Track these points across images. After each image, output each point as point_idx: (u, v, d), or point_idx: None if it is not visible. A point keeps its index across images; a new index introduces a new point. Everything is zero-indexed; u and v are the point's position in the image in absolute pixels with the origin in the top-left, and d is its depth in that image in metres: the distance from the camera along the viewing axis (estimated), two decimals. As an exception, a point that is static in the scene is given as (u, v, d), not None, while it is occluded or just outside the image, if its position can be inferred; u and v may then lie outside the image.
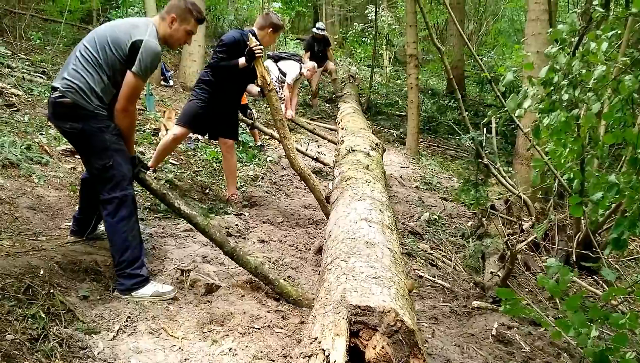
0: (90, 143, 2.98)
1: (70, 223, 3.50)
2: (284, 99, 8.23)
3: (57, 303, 2.65)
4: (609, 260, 4.41)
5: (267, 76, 4.49)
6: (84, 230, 3.45)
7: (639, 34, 9.19)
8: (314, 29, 10.64)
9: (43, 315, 2.49)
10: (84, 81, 2.92)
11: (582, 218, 4.25)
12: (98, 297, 2.92)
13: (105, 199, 3.02)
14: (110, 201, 3.02)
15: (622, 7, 7.08)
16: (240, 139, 6.89)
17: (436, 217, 5.45)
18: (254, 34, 4.66)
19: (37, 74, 7.10)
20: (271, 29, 4.76)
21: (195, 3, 3.34)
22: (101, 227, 3.53)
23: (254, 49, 4.40)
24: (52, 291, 2.70)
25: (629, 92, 2.54)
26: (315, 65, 9.67)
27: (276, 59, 8.71)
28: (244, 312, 2.93)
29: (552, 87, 2.76)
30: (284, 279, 3.39)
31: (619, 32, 4.18)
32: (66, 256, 3.10)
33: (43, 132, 5.22)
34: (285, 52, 9.34)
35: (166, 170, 5.30)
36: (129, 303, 2.90)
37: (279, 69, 8.63)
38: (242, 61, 4.54)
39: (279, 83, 8.44)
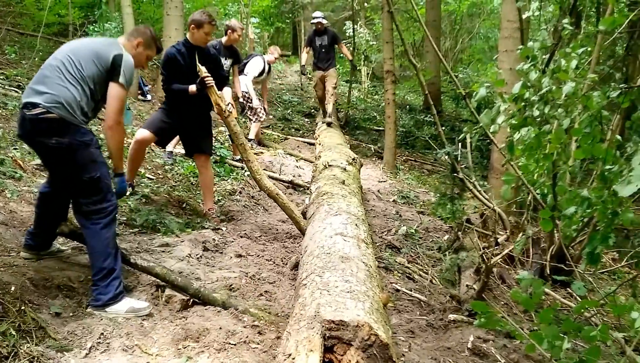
0: (76, 156, 2.97)
1: (24, 237, 3.36)
2: (255, 110, 8.13)
3: (28, 320, 2.60)
4: (582, 272, 4.47)
5: (222, 103, 4.49)
6: (40, 245, 3.35)
7: (609, 51, 9.47)
8: (311, 20, 9.25)
9: (14, 332, 2.44)
10: (70, 95, 2.93)
11: (555, 231, 4.32)
12: (71, 314, 2.87)
13: (93, 211, 3.03)
14: (98, 212, 3.04)
15: (592, 25, 7.29)
16: (218, 153, 6.89)
17: (413, 231, 5.48)
18: (188, 49, 4.70)
19: (12, 88, 7.01)
20: (192, 25, 4.72)
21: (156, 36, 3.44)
22: (56, 244, 3.48)
23: (205, 80, 4.44)
24: (23, 308, 2.65)
25: (597, 109, 2.61)
26: (278, 48, 9.17)
27: (241, 69, 8.09)
28: (220, 328, 2.90)
29: (523, 103, 2.82)
30: (260, 295, 3.38)
31: (589, 49, 4.31)
32: (38, 272, 3.06)
33: (17, 147, 5.14)
34: (248, 56, 8.61)
35: (142, 185, 5.25)
36: (102, 319, 2.86)
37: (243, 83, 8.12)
38: (192, 88, 4.57)
39: (247, 98, 8.11)
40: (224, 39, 7.00)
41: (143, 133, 4.71)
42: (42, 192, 3.31)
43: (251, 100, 8.05)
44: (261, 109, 8.20)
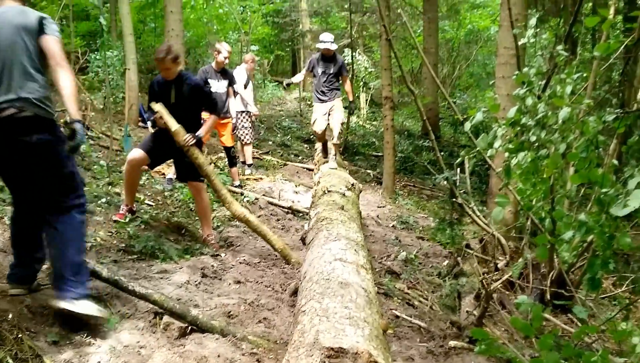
0: (57, 151, 2.95)
1: (9, 272, 3.16)
2: (243, 132, 8.13)
3: (25, 347, 2.58)
4: (583, 298, 4.45)
5: (180, 137, 4.50)
6: (29, 276, 3.19)
7: (605, 76, 9.58)
8: (319, 43, 7.44)
9: (10, 361, 2.43)
10: (36, 88, 2.89)
11: (555, 257, 4.31)
12: (67, 342, 2.84)
13: (73, 206, 3.03)
14: (78, 206, 3.06)
15: (588, 51, 7.37)
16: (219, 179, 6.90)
17: (413, 256, 5.47)
18: (164, 80, 4.76)
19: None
20: (155, 62, 4.79)
21: None
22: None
23: (157, 119, 4.52)
24: (20, 335, 2.63)
25: (593, 133, 2.63)
26: (252, 55, 8.67)
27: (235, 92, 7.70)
28: (218, 355, 2.87)
29: (519, 128, 2.84)
30: (258, 321, 3.36)
31: (585, 74, 4.36)
32: (36, 299, 3.04)
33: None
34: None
35: (142, 211, 5.25)
36: (99, 347, 2.83)
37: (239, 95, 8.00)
38: (149, 125, 4.62)
39: (245, 116, 8.15)
40: (214, 63, 7.08)
41: (135, 153, 4.76)
42: (15, 218, 3.19)
43: (243, 119, 8.05)
44: (248, 132, 8.18)
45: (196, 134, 4.70)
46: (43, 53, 2.96)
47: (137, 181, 5.07)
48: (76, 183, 3.09)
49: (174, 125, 4.47)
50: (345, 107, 7.87)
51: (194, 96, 4.83)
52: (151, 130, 4.58)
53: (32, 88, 2.88)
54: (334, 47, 7.32)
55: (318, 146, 8.19)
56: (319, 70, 7.31)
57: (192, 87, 4.83)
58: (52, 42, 2.95)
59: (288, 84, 7.90)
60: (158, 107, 4.50)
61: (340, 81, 7.53)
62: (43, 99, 2.92)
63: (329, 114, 7.32)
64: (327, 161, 7.27)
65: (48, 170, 2.98)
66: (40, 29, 2.92)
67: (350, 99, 7.76)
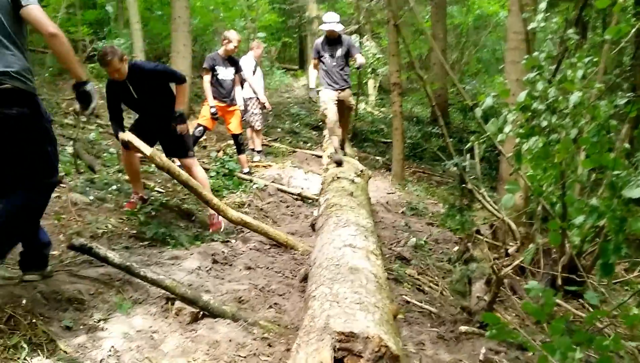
0: (36, 127, 2.91)
1: (19, 259, 3.17)
2: (252, 119, 8.18)
3: (39, 333, 2.62)
4: (594, 283, 4.44)
5: (144, 152, 4.40)
6: (38, 262, 3.18)
7: (616, 61, 9.47)
8: (322, 25, 6.62)
9: (25, 345, 2.46)
10: (14, 61, 2.81)
11: (566, 242, 4.30)
12: (81, 327, 2.88)
13: (48, 184, 3.05)
14: (49, 186, 3.08)
15: (598, 35, 7.28)
16: (226, 166, 6.92)
17: (423, 242, 5.46)
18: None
19: (23, 104, 7.08)
20: (103, 68, 4.71)
21: None
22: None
23: (127, 143, 4.43)
24: (34, 320, 2.67)
25: (605, 118, 2.61)
26: (259, 42, 8.63)
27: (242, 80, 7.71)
28: (230, 340, 2.90)
29: (530, 113, 2.82)
30: (269, 307, 3.38)
31: (595, 59, 4.31)
32: (49, 285, 3.07)
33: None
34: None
35: (152, 198, 5.28)
36: (112, 332, 2.87)
37: (247, 83, 8.03)
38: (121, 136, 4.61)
39: (255, 102, 8.16)
40: (221, 51, 7.06)
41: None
42: None
43: (253, 106, 8.07)
44: (259, 118, 8.21)
45: (176, 112, 4.81)
46: (22, 26, 2.87)
47: (138, 168, 5.08)
48: (49, 164, 3.02)
49: (147, 150, 4.42)
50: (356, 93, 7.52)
51: (153, 80, 4.80)
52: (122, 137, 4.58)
53: (10, 61, 2.80)
54: (339, 28, 6.41)
55: (332, 138, 6.84)
56: (326, 55, 6.51)
57: (147, 73, 4.78)
58: (33, 12, 2.82)
59: (315, 94, 6.75)
60: (127, 136, 4.45)
61: (349, 68, 6.73)
62: (23, 72, 2.84)
63: (339, 103, 6.49)
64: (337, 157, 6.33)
65: (24, 145, 2.90)
66: (15, 3, 2.80)
67: (359, 61, 6.43)
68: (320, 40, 6.65)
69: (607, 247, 2.44)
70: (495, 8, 16.72)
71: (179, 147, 4.94)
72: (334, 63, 6.48)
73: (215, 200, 4.68)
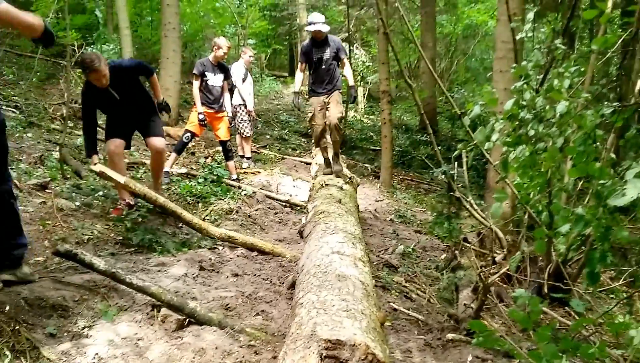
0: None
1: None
2: (241, 126, 8.21)
3: (22, 339, 2.58)
4: (580, 291, 4.47)
5: (119, 180, 4.52)
6: (9, 262, 3.14)
7: (603, 71, 9.58)
8: (307, 27, 6.23)
9: (7, 353, 2.42)
10: None
11: (552, 250, 4.32)
12: (65, 334, 2.84)
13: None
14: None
15: (586, 46, 7.37)
16: (215, 173, 6.90)
17: (410, 250, 5.47)
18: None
19: (10, 109, 7.04)
20: (81, 70, 4.77)
21: None
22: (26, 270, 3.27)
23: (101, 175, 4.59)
24: (17, 327, 2.63)
25: (591, 127, 2.63)
26: (249, 47, 8.70)
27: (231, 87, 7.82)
28: (216, 348, 2.88)
29: (517, 122, 2.84)
30: (256, 314, 3.37)
31: (582, 68, 4.35)
32: (33, 291, 3.03)
33: (13, 167, 5.14)
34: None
35: (139, 204, 5.24)
36: (96, 340, 2.83)
37: (236, 89, 8.17)
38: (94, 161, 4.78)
39: (244, 109, 8.25)
40: (211, 57, 7.06)
41: (111, 144, 4.86)
42: None
43: (242, 113, 8.11)
44: (247, 125, 8.24)
45: (160, 103, 5.05)
46: None
47: (125, 170, 5.09)
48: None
49: (121, 179, 4.48)
50: (346, 100, 6.97)
51: (132, 76, 4.90)
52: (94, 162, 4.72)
53: None
54: (325, 28, 6.04)
55: (316, 157, 6.98)
56: (313, 58, 6.11)
57: (127, 70, 4.85)
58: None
59: (297, 106, 6.55)
60: (98, 168, 4.52)
61: (338, 70, 6.33)
62: None
63: (327, 109, 6.12)
64: (329, 171, 6.19)
65: None
66: None
67: (351, 83, 6.28)
68: (306, 43, 6.31)
69: (593, 256, 2.45)
70: (484, 18, 16.87)
71: (156, 126, 5.09)
72: (323, 66, 6.12)
73: (196, 220, 4.75)
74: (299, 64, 6.37)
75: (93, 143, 4.81)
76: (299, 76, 6.43)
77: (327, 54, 6.10)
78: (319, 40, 6.09)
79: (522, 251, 4.15)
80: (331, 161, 6.28)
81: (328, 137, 6.34)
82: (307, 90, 6.59)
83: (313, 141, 6.78)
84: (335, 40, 6.22)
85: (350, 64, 6.81)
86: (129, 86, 4.82)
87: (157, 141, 5.06)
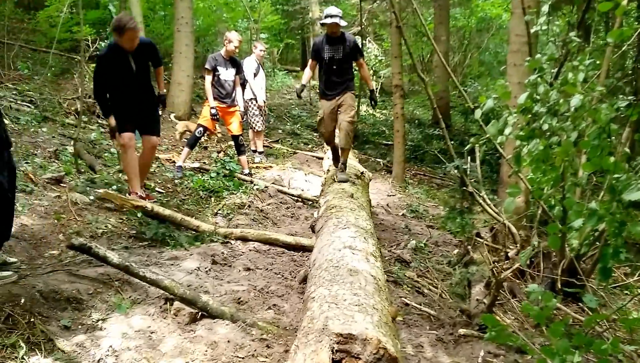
0: None
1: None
2: (253, 120, 8.25)
3: (37, 332, 2.62)
4: (594, 287, 4.43)
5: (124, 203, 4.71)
6: None
7: (619, 64, 9.45)
8: (322, 20, 5.61)
9: (22, 344, 2.46)
10: None
11: (566, 245, 4.28)
12: (79, 326, 2.88)
13: None
14: None
15: (601, 39, 7.28)
16: (227, 167, 6.93)
17: (423, 245, 5.46)
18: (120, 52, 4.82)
19: (25, 103, 7.11)
20: (114, 32, 4.79)
21: None
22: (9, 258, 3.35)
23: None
24: (32, 320, 2.67)
25: (606, 121, 2.60)
26: (260, 42, 8.85)
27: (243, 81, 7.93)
28: (228, 341, 2.90)
29: (530, 116, 2.82)
30: (268, 308, 3.38)
31: (598, 62, 4.29)
32: (48, 284, 3.07)
33: (29, 161, 5.20)
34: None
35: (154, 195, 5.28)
36: (110, 332, 2.86)
37: (248, 84, 8.22)
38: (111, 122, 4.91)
39: (256, 104, 8.31)
40: (223, 51, 7.07)
41: (125, 137, 4.95)
42: None
43: (254, 107, 8.15)
44: (259, 119, 8.27)
45: (160, 96, 5.19)
46: None
47: (137, 167, 5.13)
48: None
49: (118, 199, 4.78)
50: (368, 99, 6.59)
51: (147, 54, 5.01)
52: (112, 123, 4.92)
53: None
54: (343, 23, 5.50)
55: (328, 152, 6.64)
56: (326, 55, 5.53)
57: (145, 45, 4.97)
58: None
59: (299, 95, 6.14)
60: (104, 195, 4.76)
61: (352, 70, 5.80)
62: None
63: (338, 112, 5.57)
64: (336, 170, 5.77)
65: None
66: None
67: (371, 87, 6.06)
68: (319, 39, 5.71)
69: (607, 251, 2.43)
70: (498, 11, 16.73)
71: (157, 125, 5.17)
72: (333, 66, 5.54)
73: (204, 226, 4.86)
74: (310, 61, 5.85)
75: (108, 106, 4.93)
76: (308, 71, 5.94)
77: (340, 53, 5.53)
78: (334, 37, 5.52)
79: (532, 246, 4.12)
80: (338, 169, 5.69)
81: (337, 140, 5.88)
82: (318, 90, 6.02)
83: (325, 143, 6.32)
84: (351, 39, 5.66)
85: (363, 57, 5.99)
86: (144, 61, 4.97)
87: (155, 141, 5.19)
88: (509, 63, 6.19)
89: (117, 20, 4.69)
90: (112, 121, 4.86)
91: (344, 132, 5.50)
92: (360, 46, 7.16)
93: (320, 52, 5.56)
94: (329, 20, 5.40)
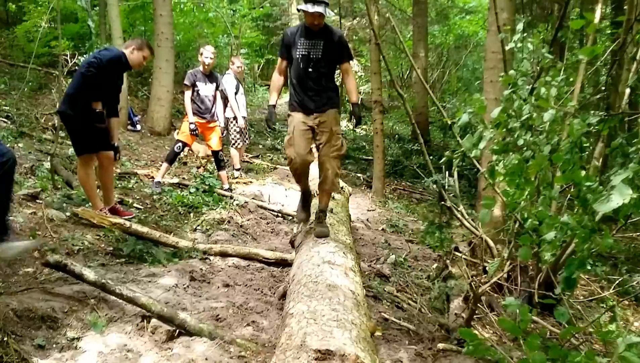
0: None
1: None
2: (234, 137, 8.26)
3: (10, 351, 2.55)
4: (570, 300, 4.48)
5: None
6: None
7: (593, 81, 9.66)
8: (303, 5, 3.93)
9: (-6, 365, 2.40)
10: None
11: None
12: (54, 345, 2.83)
13: None
14: None
15: (575, 56, 7.46)
16: (207, 182, 6.90)
17: (402, 259, 5.48)
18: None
19: (1, 119, 7.01)
20: (145, 47, 5.19)
21: None
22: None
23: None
24: (5, 339, 2.60)
25: (577, 135, 2.66)
26: (238, 57, 8.84)
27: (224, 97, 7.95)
28: (206, 359, 2.87)
29: (505, 130, 2.87)
30: (247, 325, 3.36)
31: (571, 78, 4.38)
32: (22, 303, 3.02)
33: (3, 177, 5.10)
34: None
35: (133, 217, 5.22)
36: (85, 351, 2.81)
37: (229, 103, 8.20)
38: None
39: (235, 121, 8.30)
40: (202, 67, 7.09)
41: (103, 156, 4.97)
42: None
43: (234, 125, 8.17)
44: (239, 138, 8.28)
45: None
46: None
47: (94, 183, 5.08)
48: None
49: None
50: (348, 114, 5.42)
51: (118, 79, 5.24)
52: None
53: None
54: (331, 14, 4.38)
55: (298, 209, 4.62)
56: (298, 52, 4.05)
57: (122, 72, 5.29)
58: None
59: (270, 126, 4.36)
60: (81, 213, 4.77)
61: (334, 78, 4.28)
62: None
63: (316, 139, 4.13)
64: (308, 229, 4.36)
65: None
66: None
67: (353, 100, 4.30)
68: (292, 29, 4.24)
69: (572, 261, 2.47)
70: (475, 28, 17.02)
71: (106, 139, 5.06)
72: (310, 69, 4.05)
73: (183, 242, 4.83)
74: (278, 59, 4.25)
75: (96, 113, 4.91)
76: (276, 79, 4.27)
77: (319, 50, 4.03)
78: (314, 31, 4.03)
79: (502, 257, 4.16)
80: (315, 218, 4.30)
81: (316, 178, 4.38)
82: (288, 102, 4.35)
83: (295, 180, 4.46)
84: (338, 33, 4.19)
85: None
86: (122, 79, 5.23)
87: (111, 154, 5.12)
88: (486, 79, 6.31)
89: (148, 44, 5.27)
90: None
91: (330, 173, 4.10)
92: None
93: (292, 47, 4.09)
94: (310, 8, 3.86)
